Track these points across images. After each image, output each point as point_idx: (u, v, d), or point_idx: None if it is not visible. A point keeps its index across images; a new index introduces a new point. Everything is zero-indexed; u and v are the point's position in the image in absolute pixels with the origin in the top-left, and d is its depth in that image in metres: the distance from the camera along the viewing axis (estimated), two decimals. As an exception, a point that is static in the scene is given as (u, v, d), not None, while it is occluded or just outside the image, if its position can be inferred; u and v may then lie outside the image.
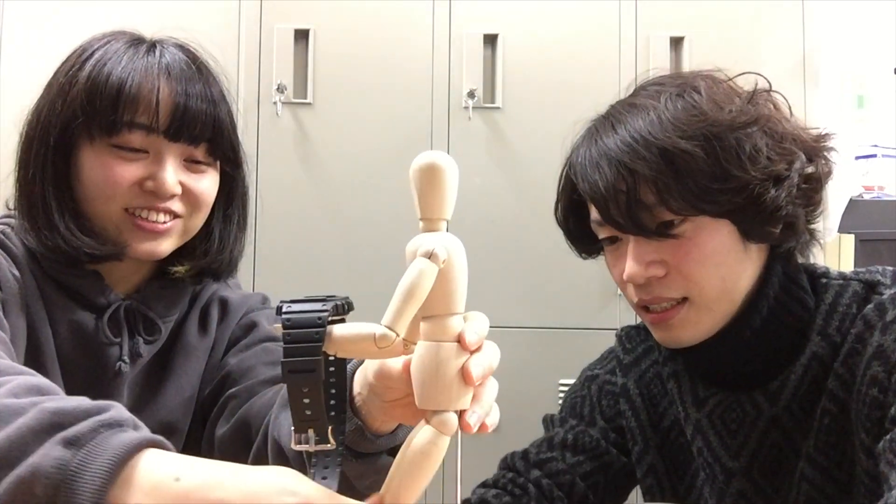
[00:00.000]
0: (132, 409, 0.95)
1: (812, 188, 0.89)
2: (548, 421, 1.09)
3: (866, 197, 2.39)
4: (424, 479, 0.56)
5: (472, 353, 0.55)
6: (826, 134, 0.92)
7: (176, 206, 0.91)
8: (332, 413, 0.63)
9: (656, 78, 0.94)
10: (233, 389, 0.95)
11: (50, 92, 0.91)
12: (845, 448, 0.86)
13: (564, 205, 0.99)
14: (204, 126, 0.91)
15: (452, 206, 0.55)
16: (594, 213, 0.91)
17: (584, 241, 0.99)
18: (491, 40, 2.05)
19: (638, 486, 1.05)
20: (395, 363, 0.60)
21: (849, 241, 2.21)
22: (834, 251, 2.20)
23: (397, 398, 0.63)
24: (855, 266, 2.17)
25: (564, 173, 0.97)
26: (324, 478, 0.61)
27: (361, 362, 0.67)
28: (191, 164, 0.92)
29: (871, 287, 0.89)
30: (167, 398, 0.98)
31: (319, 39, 2.03)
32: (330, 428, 0.59)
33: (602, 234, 0.93)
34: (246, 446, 0.87)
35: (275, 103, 2.00)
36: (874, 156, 2.49)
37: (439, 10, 2.05)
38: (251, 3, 2.02)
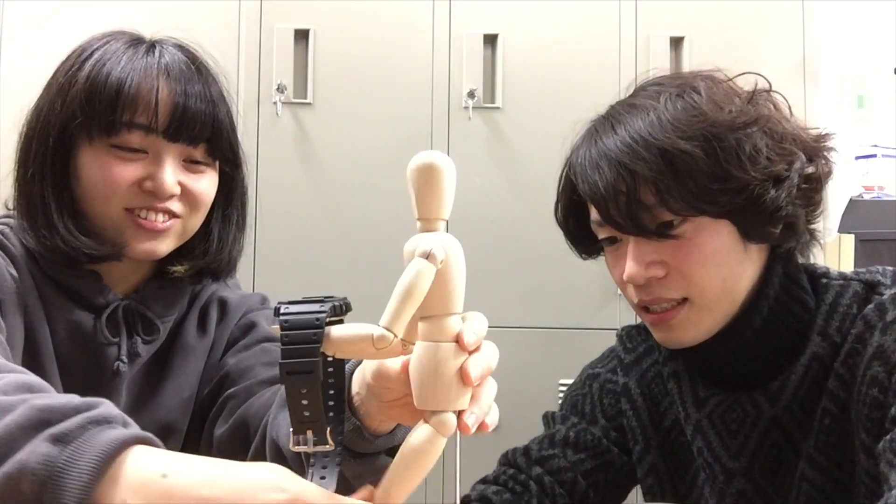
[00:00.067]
0: (131, 409, 0.96)
1: (812, 188, 0.89)
2: (548, 418, 1.09)
3: (866, 197, 2.39)
4: (417, 476, 0.56)
5: (470, 353, 0.55)
6: (826, 134, 0.92)
7: (175, 206, 0.91)
8: (331, 413, 0.63)
9: (656, 78, 0.94)
10: (231, 390, 0.95)
11: (49, 92, 0.91)
12: (845, 448, 0.86)
13: (564, 205, 0.99)
14: (203, 126, 0.91)
15: (450, 206, 0.55)
16: (594, 214, 0.91)
17: (584, 241, 0.99)
18: (491, 40, 2.05)
19: (638, 486, 1.05)
20: (394, 363, 0.60)
21: (849, 241, 2.21)
22: (834, 251, 2.20)
23: (395, 398, 0.63)
24: (855, 266, 2.16)
25: (564, 174, 0.97)
26: (322, 478, 0.61)
27: (360, 362, 0.67)
28: (190, 164, 0.92)
29: (871, 287, 0.89)
30: (166, 398, 0.98)
31: (319, 39, 2.03)
32: (328, 428, 0.59)
33: (602, 234, 0.93)
34: (244, 446, 0.87)
35: (275, 103, 2.00)
36: (874, 156, 2.49)
37: (439, 10, 2.04)
38: (251, 3, 2.02)
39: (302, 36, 2.02)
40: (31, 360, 0.87)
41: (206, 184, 0.94)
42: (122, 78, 0.88)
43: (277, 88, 1.99)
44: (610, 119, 0.91)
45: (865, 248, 2.20)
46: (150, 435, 0.55)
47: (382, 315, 0.53)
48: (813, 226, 0.92)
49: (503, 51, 2.05)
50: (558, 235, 1.02)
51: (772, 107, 0.90)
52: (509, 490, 1.00)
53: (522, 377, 1.89)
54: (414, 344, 0.56)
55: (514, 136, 2.05)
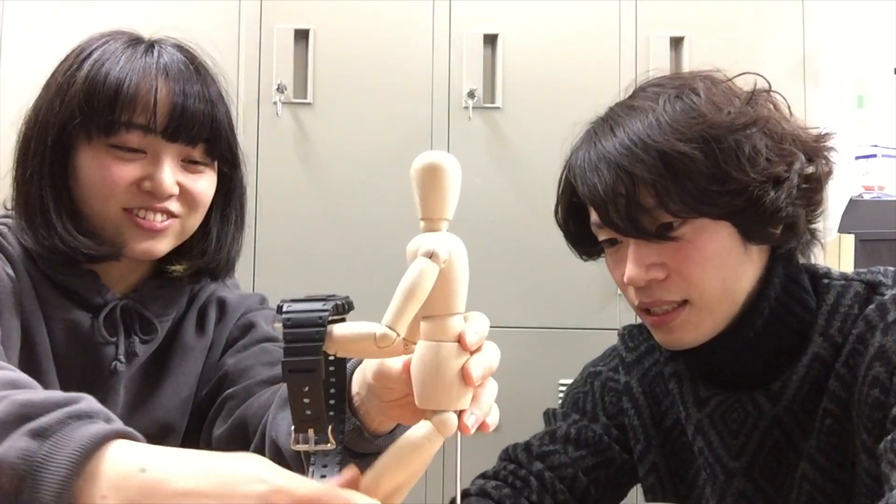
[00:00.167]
0: (129, 409, 0.96)
1: (812, 188, 0.89)
2: (549, 415, 1.08)
3: (866, 197, 2.39)
4: (408, 470, 0.55)
5: (472, 353, 0.55)
6: (826, 134, 0.92)
7: (173, 206, 0.91)
8: (331, 412, 0.63)
9: (655, 79, 0.94)
10: (230, 390, 0.95)
11: (48, 91, 0.91)
12: (846, 448, 0.86)
13: (564, 207, 0.99)
14: (202, 126, 0.91)
15: (454, 207, 0.55)
16: (594, 216, 0.91)
17: (584, 243, 0.99)
18: (491, 40, 2.05)
19: (639, 485, 1.05)
20: (395, 363, 0.60)
21: (849, 241, 2.20)
22: (834, 251, 2.19)
23: (396, 398, 0.63)
24: (855, 266, 2.16)
25: (564, 176, 0.97)
26: (323, 476, 0.61)
27: (360, 362, 0.67)
28: (188, 164, 0.92)
29: (872, 288, 0.89)
30: (164, 398, 0.98)
31: (319, 39, 2.03)
32: (330, 427, 0.59)
33: (602, 236, 0.93)
34: (243, 447, 0.87)
35: (275, 103, 2.00)
36: (874, 156, 2.49)
37: (439, 10, 2.04)
38: (251, 3, 2.02)
39: (302, 36, 2.02)
40: (29, 360, 0.87)
41: (205, 184, 0.94)
42: (121, 78, 0.88)
43: (277, 88, 1.99)
44: (609, 121, 0.90)
45: (865, 248, 2.20)
46: (130, 429, 0.54)
47: (385, 314, 0.53)
48: (814, 225, 0.92)
49: (503, 51, 2.04)
50: (558, 236, 1.02)
51: (772, 107, 0.90)
52: (509, 485, 0.99)
53: (522, 377, 1.89)
54: (415, 343, 0.56)
55: (514, 136, 2.05)
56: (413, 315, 0.53)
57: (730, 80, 0.92)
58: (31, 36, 1.97)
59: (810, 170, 0.89)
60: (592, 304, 2.02)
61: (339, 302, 0.58)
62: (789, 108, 0.92)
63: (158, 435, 0.96)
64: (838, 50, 2.38)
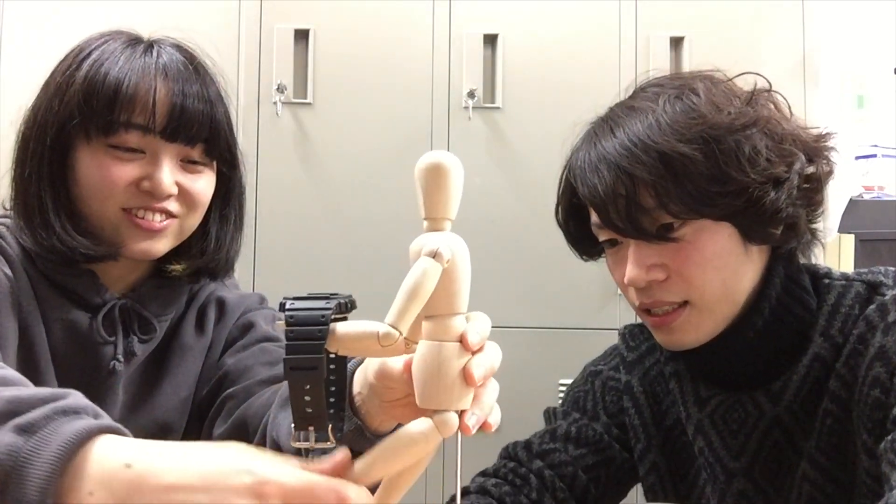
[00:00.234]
0: (128, 409, 0.96)
1: (813, 188, 0.89)
2: (549, 413, 1.08)
3: (866, 197, 2.39)
4: (402, 462, 0.55)
5: (473, 353, 0.55)
6: (826, 133, 0.92)
7: (172, 206, 0.91)
8: (332, 411, 0.63)
9: (655, 79, 0.94)
10: (230, 390, 0.95)
11: (47, 91, 0.91)
12: (847, 449, 0.86)
13: (565, 208, 0.98)
14: (201, 126, 0.91)
15: (457, 206, 0.55)
16: (594, 217, 0.91)
17: (585, 243, 0.99)
18: (491, 40, 2.05)
19: (639, 485, 1.05)
20: (396, 363, 0.60)
21: (849, 241, 2.20)
22: (834, 251, 2.20)
23: (397, 398, 0.63)
24: (855, 266, 2.16)
25: (564, 177, 0.97)
26: None
27: (362, 361, 0.67)
28: (187, 164, 0.92)
29: (873, 288, 0.89)
30: (163, 398, 0.98)
31: (319, 39, 2.03)
32: (330, 426, 0.59)
33: (602, 237, 0.93)
34: (244, 447, 0.87)
35: (275, 103, 2.00)
36: (874, 156, 2.49)
37: (439, 10, 2.04)
38: (251, 3, 2.02)
39: (302, 36, 2.02)
40: (27, 360, 0.87)
41: (204, 184, 0.94)
42: (120, 78, 0.88)
43: (277, 88, 1.99)
44: (609, 121, 0.90)
45: (865, 248, 2.20)
46: (118, 425, 0.54)
47: (388, 313, 0.53)
48: (814, 225, 0.92)
49: (503, 51, 2.04)
50: (558, 235, 1.01)
51: (772, 107, 0.90)
52: (509, 483, 0.99)
53: (522, 377, 1.89)
54: (417, 343, 0.56)
55: (514, 136, 2.05)
56: (416, 314, 0.53)
57: (730, 80, 0.92)
58: (31, 36, 1.97)
59: (811, 170, 0.89)
60: (592, 304, 2.02)
61: (342, 300, 0.58)
62: (789, 107, 0.92)
63: (157, 435, 0.96)
64: (838, 50, 2.38)
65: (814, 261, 0.96)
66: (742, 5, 2.08)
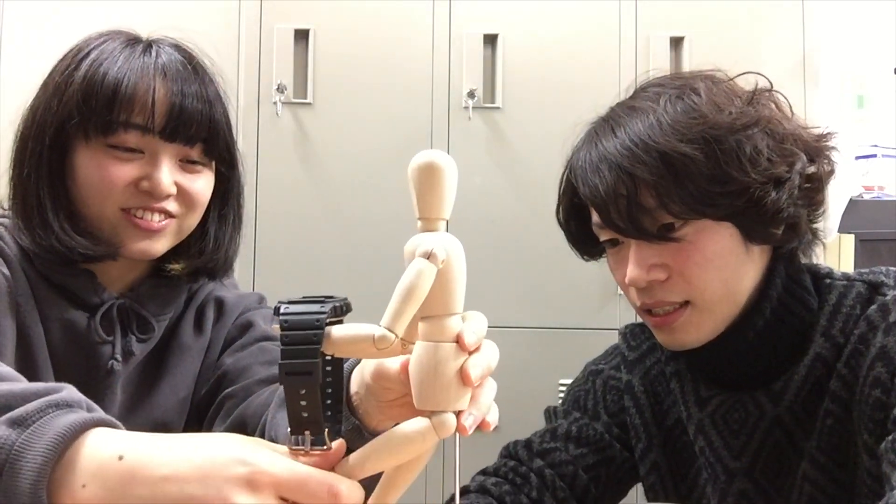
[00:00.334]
0: (126, 408, 0.95)
1: (814, 188, 0.89)
2: (550, 413, 1.08)
3: (866, 197, 2.39)
4: (395, 460, 0.55)
5: (470, 353, 0.55)
6: (827, 133, 0.92)
7: (171, 206, 0.91)
8: (328, 413, 0.62)
9: (656, 79, 0.94)
10: (229, 389, 0.95)
11: (46, 91, 0.91)
12: (847, 449, 0.86)
13: (565, 207, 0.98)
14: (199, 126, 0.90)
15: (451, 206, 0.55)
16: (595, 217, 0.91)
17: (585, 243, 0.99)
18: (491, 40, 2.05)
19: (639, 485, 1.05)
20: (393, 364, 0.60)
21: (849, 241, 2.20)
22: (834, 251, 2.19)
23: (394, 398, 0.63)
24: (855, 266, 2.16)
25: (565, 177, 0.97)
26: None
27: (358, 361, 0.66)
28: (186, 164, 0.92)
29: (874, 288, 0.89)
30: (162, 397, 0.98)
31: (319, 39, 2.03)
32: (326, 430, 0.59)
33: (603, 236, 0.93)
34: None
35: (275, 103, 2.00)
36: (874, 156, 2.48)
37: (439, 10, 2.04)
38: (251, 3, 2.02)
39: (302, 36, 2.02)
40: (26, 359, 0.87)
41: (203, 184, 0.94)
42: (119, 78, 0.88)
43: (277, 88, 1.99)
44: (610, 121, 0.90)
45: (865, 248, 2.20)
46: (111, 418, 0.54)
47: (383, 315, 0.53)
48: (815, 225, 0.92)
49: (503, 51, 2.04)
50: (558, 235, 1.01)
51: (773, 106, 0.89)
52: (509, 482, 0.99)
53: (522, 377, 1.89)
54: (414, 344, 0.55)
55: (514, 136, 2.05)
56: (412, 316, 0.53)
57: (731, 79, 0.92)
58: (31, 36, 1.97)
59: (812, 169, 0.88)
60: (592, 304, 2.02)
61: (337, 304, 0.58)
62: (790, 107, 0.91)
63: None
64: (838, 50, 2.38)
65: (814, 261, 0.96)
66: (742, 5, 2.08)
